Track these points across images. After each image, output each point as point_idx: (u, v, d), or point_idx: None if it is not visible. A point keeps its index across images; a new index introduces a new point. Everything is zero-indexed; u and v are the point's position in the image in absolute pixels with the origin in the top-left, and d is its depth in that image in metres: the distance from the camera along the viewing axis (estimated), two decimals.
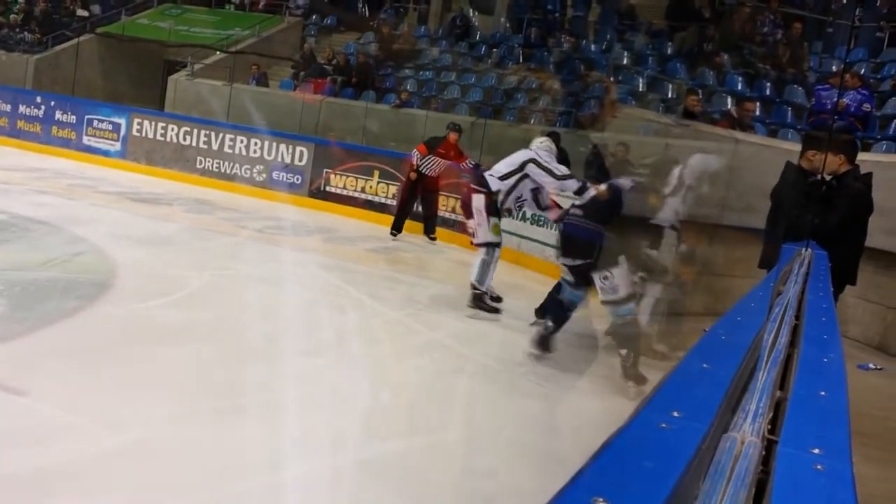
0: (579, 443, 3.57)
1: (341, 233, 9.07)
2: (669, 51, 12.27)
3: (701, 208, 7.53)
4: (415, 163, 8.89)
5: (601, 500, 0.68)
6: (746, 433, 0.96)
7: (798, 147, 5.83)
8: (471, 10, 15.60)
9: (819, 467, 0.90)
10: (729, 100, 10.33)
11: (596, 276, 4.78)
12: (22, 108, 13.66)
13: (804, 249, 3.61)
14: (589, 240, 4.90)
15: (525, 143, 9.34)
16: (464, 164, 8.92)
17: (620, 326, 4.81)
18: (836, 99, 7.83)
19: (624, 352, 4.76)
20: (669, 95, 11.17)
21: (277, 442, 3.35)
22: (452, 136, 8.94)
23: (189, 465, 3.04)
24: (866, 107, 8.11)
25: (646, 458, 0.78)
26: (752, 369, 1.37)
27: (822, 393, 1.26)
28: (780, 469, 0.90)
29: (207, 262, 6.83)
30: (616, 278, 4.72)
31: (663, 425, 0.89)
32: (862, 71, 9.34)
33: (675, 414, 0.92)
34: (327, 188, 10.82)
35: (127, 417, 3.39)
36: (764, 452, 1.01)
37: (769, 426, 1.13)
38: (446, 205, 9.56)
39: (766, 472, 0.97)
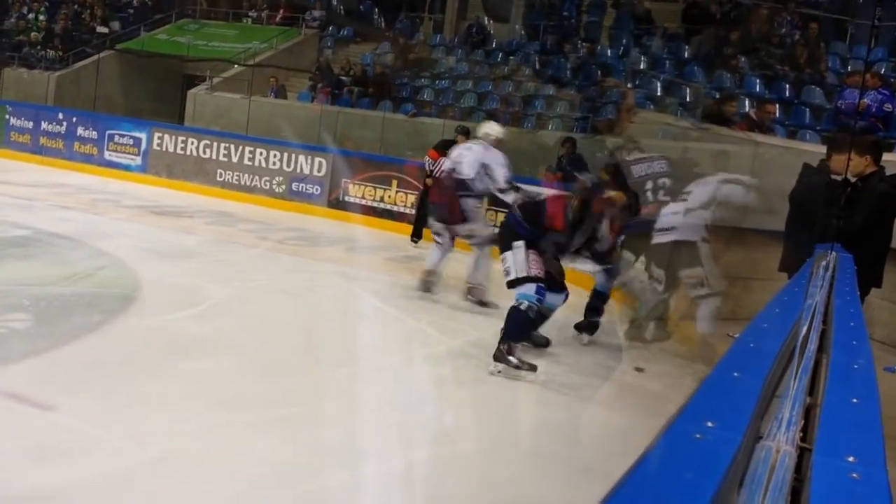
0: (601, 452, 3.55)
1: (361, 242, 9.11)
2: (686, 54, 12.23)
3: (721, 212, 7.49)
4: (427, 168, 8.90)
5: None
6: (781, 442, 0.96)
7: (818, 148, 5.79)
8: (486, 18, 15.65)
9: (855, 475, 0.90)
10: (747, 102, 10.27)
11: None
12: (44, 125, 13.86)
13: (829, 252, 3.58)
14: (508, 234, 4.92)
15: (544, 150, 9.34)
16: None
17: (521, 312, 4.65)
18: (856, 99, 7.76)
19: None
20: (687, 99, 11.13)
21: (302, 454, 3.36)
22: (460, 139, 8.94)
23: (215, 479, 3.06)
24: (888, 107, 8.04)
25: (682, 470, 0.78)
26: (781, 377, 1.36)
27: (854, 400, 1.25)
28: (815, 477, 0.90)
29: (230, 274, 6.88)
30: (508, 261, 4.77)
31: (697, 436, 0.89)
32: (882, 70, 9.26)
33: (709, 424, 0.92)
34: (346, 198, 10.87)
35: (153, 431, 3.41)
36: (797, 461, 1.01)
37: (801, 434, 1.12)
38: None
39: (800, 481, 0.97)
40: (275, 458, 3.28)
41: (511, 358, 4.59)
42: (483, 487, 3.29)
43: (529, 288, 4.68)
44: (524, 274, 4.71)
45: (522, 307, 4.66)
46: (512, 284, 4.75)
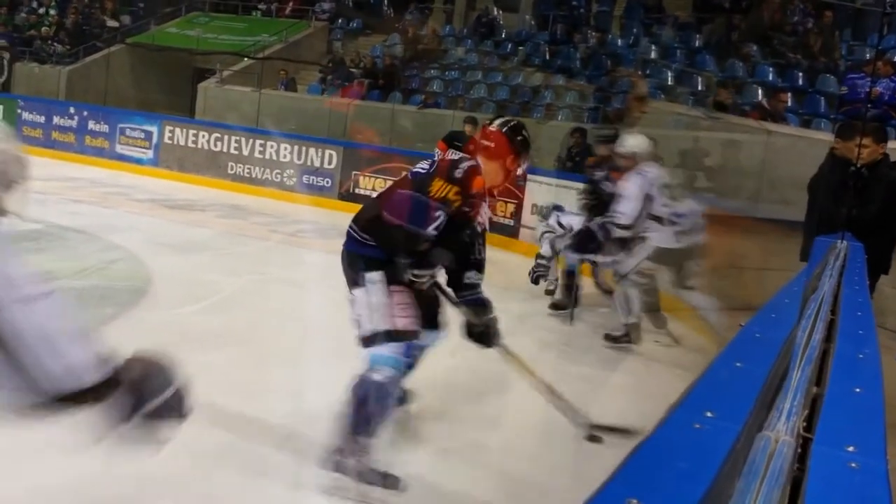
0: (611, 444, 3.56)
1: None
2: (698, 43, 12.15)
3: (732, 201, 7.47)
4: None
5: (635, 500, 0.69)
6: (780, 432, 0.96)
7: (831, 137, 5.76)
8: (496, 9, 15.59)
9: (854, 465, 0.90)
10: (760, 91, 10.21)
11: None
12: (56, 119, 13.93)
13: (839, 242, 3.57)
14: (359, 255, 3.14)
15: (555, 141, 9.29)
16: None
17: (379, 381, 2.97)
18: (868, 87, 7.70)
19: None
20: (699, 88, 11.07)
21: (314, 447, 3.38)
22: (467, 129, 8.92)
23: (228, 471, 3.09)
24: None
25: (680, 459, 0.79)
26: (787, 366, 1.36)
27: (858, 390, 1.25)
28: (814, 467, 0.90)
29: (241, 267, 6.92)
30: (359, 304, 3.07)
31: (697, 425, 0.89)
32: (895, 58, 9.18)
33: (709, 414, 0.93)
34: (357, 190, 10.89)
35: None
36: (799, 450, 1.01)
37: (804, 424, 1.12)
38: None
39: (801, 471, 0.97)
40: (286, 450, 3.30)
41: (359, 464, 2.92)
42: (496, 479, 3.30)
43: (392, 349, 3.00)
44: (385, 327, 3.01)
45: (377, 377, 2.96)
46: (364, 340, 3.04)
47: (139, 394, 1.46)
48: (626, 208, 5.21)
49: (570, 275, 6.03)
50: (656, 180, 5.38)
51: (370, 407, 2.92)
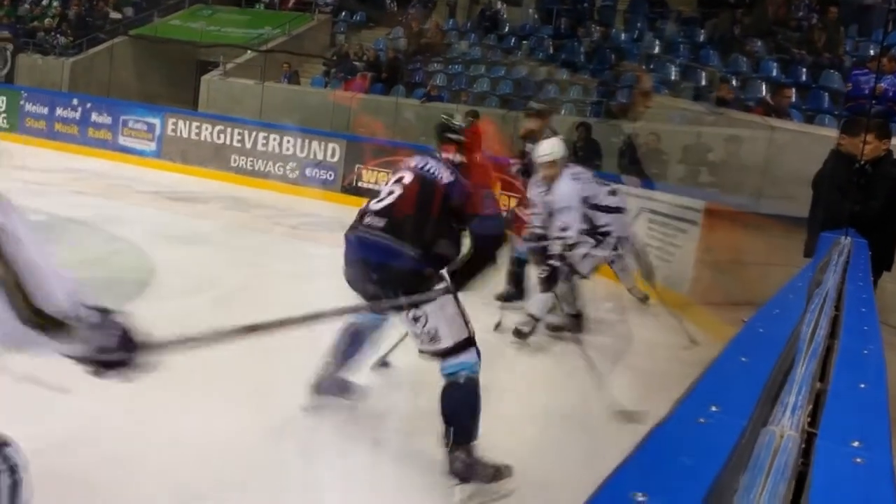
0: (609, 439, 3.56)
1: None
2: (702, 38, 12.12)
3: (735, 196, 7.46)
4: None
5: (641, 494, 0.68)
6: (785, 427, 0.96)
7: (836, 133, 5.75)
8: (499, 2, 15.56)
9: (858, 460, 0.90)
10: (763, 86, 10.18)
11: (404, 318, 3.18)
12: (59, 111, 13.93)
13: (843, 238, 3.56)
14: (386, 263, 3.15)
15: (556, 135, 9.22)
16: (478, 155, 8.67)
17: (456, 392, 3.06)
18: (873, 83, 7.68)
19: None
20: (702, 83, 11.04)
21: (316, 439, 3.39)
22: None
23: (230, 463, 3.10)
24: None
25: (685, 454, 0.79)
26: (791, 362, 1.36)
27: (862, 385, 1.25)
28: (819, 462, 0.90)
29: (244, 260, 6.92)
30: (433, 319, 3.09)
31: (702, 420, 0.89)
32: None
33: (714, 409, 0.92)
34: (359, 184, 10.88)
35: (166, 416, 3.45)
36: (804, 445, 1.01)
37: (809, 419, 1.12)
38: None
39: (806, 465, 0.97)
40: (287, 442, 3.31)
41: (478, 467, 3.02)
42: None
43: (471, 354, 3.10)
44: (465, 335, 3.11)
45: (462, 380, 3.05)
46: (440, 354, 3.11)
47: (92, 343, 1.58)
48: (568, 219, 5.05)
49: (518, 262, 5.98)
50: (586, 178, 5.31)
51: (470, 412, 3.02)
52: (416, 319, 3.10)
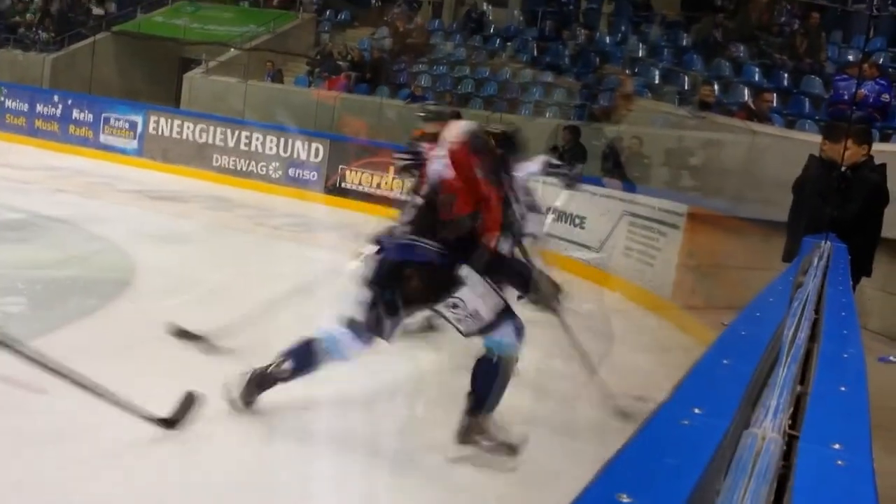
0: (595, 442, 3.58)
1: (358, 229, 9.07)
2: (685, 42, 12.20)
3: (716, 200, 7.51)
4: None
5: (625, 496, 0.69)
6: (767, 429, 0.97)
7: (816, 138, 5.81)
8: (485, 4, 15.59)
9: (840, 462, 0.90)
10: (746, 91, 10.27)
11: (442, 309, 3.35)
12: (39, 108, 13.80)
13: (824, 242, 3.60)
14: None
15: (541, 138, 9.27)
16: None
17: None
18: (854, 89, 7.76)
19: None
20: (685, 87, 11.11)
21: (300, 440, 3.38)
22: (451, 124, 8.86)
23: (209, 463, 3.07)
24: (885, 97, 8.04)
25: (668, 455, 0.79)
26: (773, 365, 1.37)
27: (843, 388, 1.26)
28: (801, 464, 0.91)
29: (226, 260, 6.88)
30: (469, 301, 3.27)
31: (685, 422, 0.90)
32: (881, 61, 9.26)
33: (697, 410, 0.93)
34: (343, 184, 10.86)
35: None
36: (785, 448, 1.02)
37: (790, 421, 1.13)
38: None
39: (788, 468, 0.98)
40: (272, 443, 3.29)
41: (481, 436, 3.26)
42: (478, 474, 3.31)
43: (508, 331, 3.30)
44: (498, 311, 3.30)
45: (494, 359, 3.27)
46: (486, 329, 3.29)
47: None
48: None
49: None
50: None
51: (490, 387, 3.25)
52: (454, 306, 3.29)
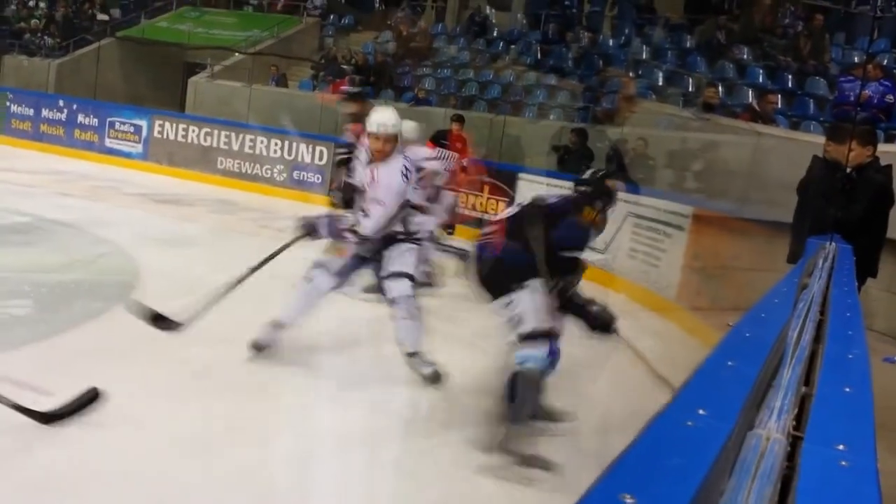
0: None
1: None
2: (689, 44, 12.20)
3: (721, 202, 7.50)
4: None
5: (629, 496, 0.69)
6: (771, 430, 0.97)
7: (821, 139, 5.80)
8: (488, 7, 15.59)
9: (844, 463, 0.90)
10: (749, 93, 10.25)
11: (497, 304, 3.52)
12: (45, 112, 13.85)
13: (829, 243, 3.59)
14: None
15: (545, 140, 9.23)
16: (466, 158, 7.86)
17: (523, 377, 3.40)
18: (858, 91, 7.74)
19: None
20: (689, 89, 11.10)
21: (306, 443, 3.39)
22: (454, 127, 8.86)
23: (216, 465, 3.08)
24: (889, 98, 8.02)
25: (673, 456, 0.79)
26: (777, 366, 1.37)
27: (847, 389, 1.26)
28: (805, 465, 0.91)
29: (231, 263, 6.85)
30: (521, 305, 3.42)
31: (689, 423, 0.90)
32: (885, 62, 9.24)
33: (701, 412, 0.93)
34: None
35: (153, 418, 3.43)
36: (789, 449, 1.02)
37: (794, 422, 1.13)
38: (465, 201, 9.55)
39: (792, 469, 0.98)
40: (278, 446, 3.30)
41: (505, 446, 3.31)
42: (477, 475, 3.31)
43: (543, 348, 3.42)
44: (541, 327, 3.42)
45: (524, 371, 3.38)
46: (522, 339, 3.42)
47: None
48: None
49: None
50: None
51: (517, 398, 3.35)
52: (507, 305, 3.47)
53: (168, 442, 3.22)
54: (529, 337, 3.38)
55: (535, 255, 3.40)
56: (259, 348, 4.32)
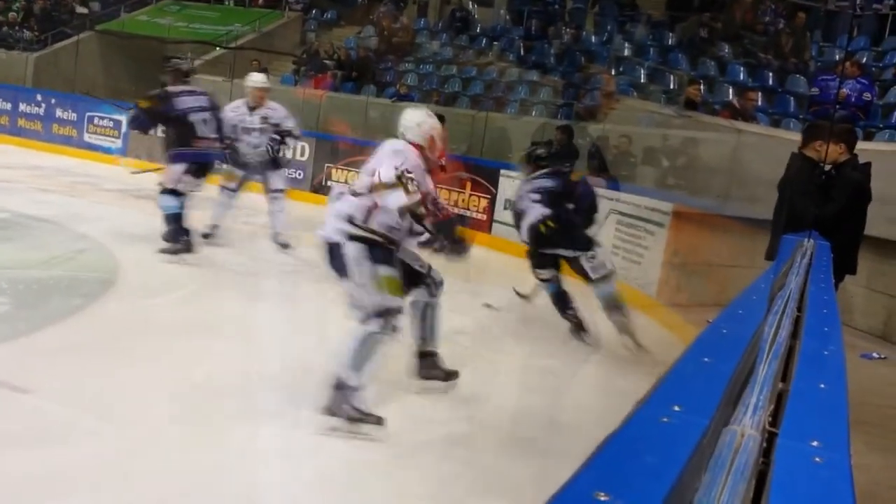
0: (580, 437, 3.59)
1: None
2: (671, 41, 12.25)
3: (701, 199, 7.55)
4: None
5: (603, 494, 0.69)
6: (747, 426, 0.97)
7: (800, 137, 5.84)
8: (470, 3, 15.58)
9: (818, 459, 0.91)
10: (731, 90, 10.32)
11: (583, 259, 5.31)
12: (22, 106, 13.68)
13: (806, 240, 3.62)
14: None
15: (527, 136, 9.22)
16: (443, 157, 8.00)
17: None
18: (836, 88, 7.81)
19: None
20: (671, 86, 11.15)
21: (289, 437, 3.38)
22: None
23: (194, 462, 3.06)
24: (867, 96, 8.10)
25: (647, 453, 0.79)
26: (753, 362, 1.38)
27: (822, 385, 1.27)
28: (779, 461, 0.91)
29: (212, 258, 6.85)
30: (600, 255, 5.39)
31: (664, 419, 0.90)
32: (864, 60, 9.32)
33: (676, 408, 0.93)
34: (329, 183, 10.82)
35: (131, 415, 3.41)
36: (765, 445, 1.02)
37: (770, 419, 1.14)
38: (447, 198, 9.55)
39: (766, 465, 0.98)
40: (252, 442, 3.28)
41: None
42: (469, 469, 3.32)
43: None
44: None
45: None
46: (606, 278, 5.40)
47: None
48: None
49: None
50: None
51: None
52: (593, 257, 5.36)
53: (145, 439, 3.19)
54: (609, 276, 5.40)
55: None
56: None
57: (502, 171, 9.09)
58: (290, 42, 16.35)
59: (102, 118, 12.90)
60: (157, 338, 4.47)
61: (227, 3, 18.15)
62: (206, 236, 7.10)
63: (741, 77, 10.66)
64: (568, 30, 13.38)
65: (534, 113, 11.76)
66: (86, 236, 6.89)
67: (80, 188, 9.69)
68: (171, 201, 6.48)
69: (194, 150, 6.61)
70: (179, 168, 6.59)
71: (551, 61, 12.92)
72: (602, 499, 0.68)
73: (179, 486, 2.90)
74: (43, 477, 2.82)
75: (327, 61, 14.46)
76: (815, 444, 0.96)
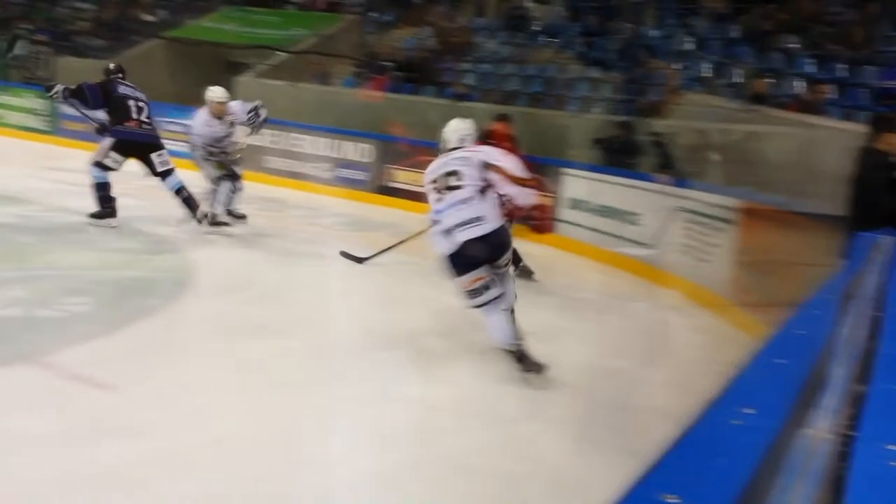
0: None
1: (407, 227, 9.13)
2: (734, 34, 11.96)
3: (771, 194, 7.36)
4: None
5: (671, 496, 0.69)
6: (821, 429, 0.96)
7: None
8: (528, 0, 15.49)
9: (895, 464, 0.89)
10: (799, 83, 10.02)
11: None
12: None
13: (884, 237, 3.50)
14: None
15: (588, 134, 9.10)
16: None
17: None
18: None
19: None
20: (737, 80, 10.89)
21: (357, 436, 3.43)
22: (497, 126, 8.83)
23: (270, 460, 3.14)
24: None
25: (717, 455, 0.79)
26: (829, 364, 1.35)
27: None
28: (856, 465, 0.90)
29: (281, 259, 7.00)
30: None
31: (735, 421, 0.89)
32: None
33: (748, 410, 0.92)
34: (392, 184, 10.92)
35: (209, 412, 3.51)
36: (841, 449, 1.01)
37: (847, 422, 1.12)
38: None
39: (843, 469, 0.97)
40: (329, 440, 3.34)
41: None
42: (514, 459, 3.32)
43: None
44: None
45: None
46: None
47: None
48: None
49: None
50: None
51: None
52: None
53: (222, 437, 3.28)
54: None
55: None
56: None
57: (563, 170, 9.03)
58: (349, 45, 16.52)
59: (171, 123, 13.25)
60: (232, 337, 4.59)
61: (287, 7, 18.44)
62: (225, 223, 7.82)
63: (810, 70, 10.34)
64: (627, 25, 13.19)
65: (595, 110, 11.64)
66: (161, 238, 7.11)
67: (155, 192, 9.96)
68: (98, 172, 7.46)
69: (125, 130, 7.60)
70: (107, 144, 7.53)
71: (611, 57, 12.76)
72: (670, 500, 0.68)
73: (255, 478, 2.98)
74: (125, 471, 2.93)
75: (386, 63, 14.57)
76: (892, 447, 0.94)
